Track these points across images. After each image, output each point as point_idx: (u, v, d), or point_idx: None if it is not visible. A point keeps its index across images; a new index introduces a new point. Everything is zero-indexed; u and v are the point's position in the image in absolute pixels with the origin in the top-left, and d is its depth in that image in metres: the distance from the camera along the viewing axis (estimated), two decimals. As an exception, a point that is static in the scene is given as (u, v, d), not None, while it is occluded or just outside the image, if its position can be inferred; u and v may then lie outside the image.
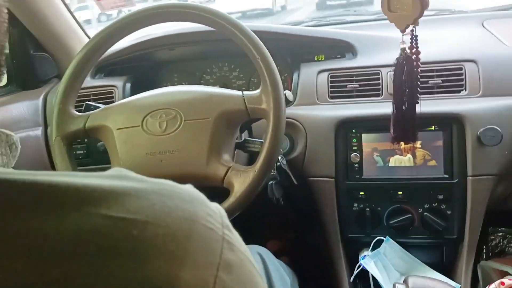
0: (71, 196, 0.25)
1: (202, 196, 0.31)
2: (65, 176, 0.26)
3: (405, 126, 0.78)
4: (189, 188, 0.31)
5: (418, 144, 0.97)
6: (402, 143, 0.81)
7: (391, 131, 0.79)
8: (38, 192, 0.25)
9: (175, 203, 0.28)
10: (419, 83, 0.76)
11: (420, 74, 0.99)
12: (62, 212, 0.24)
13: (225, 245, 0.29)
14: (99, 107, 0.91)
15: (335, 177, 1.01)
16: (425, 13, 0.90)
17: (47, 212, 0.24)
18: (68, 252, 0.23)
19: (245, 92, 0.82)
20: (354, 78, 1.05)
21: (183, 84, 1.25)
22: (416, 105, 0.77)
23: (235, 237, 0.31)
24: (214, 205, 0.32)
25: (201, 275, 0.26)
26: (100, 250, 0.24)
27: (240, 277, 0.29)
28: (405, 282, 0.75)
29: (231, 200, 0.77)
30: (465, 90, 0.99)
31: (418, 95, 0.76)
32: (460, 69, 1.01)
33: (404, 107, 0.77)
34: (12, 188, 0.24)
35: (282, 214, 1.35)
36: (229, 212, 0.77)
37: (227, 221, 0.31)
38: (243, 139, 0.88)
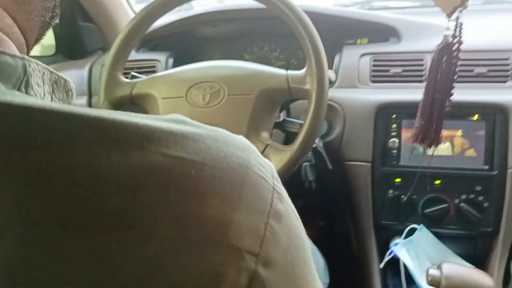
0: (134, 133, 0.26)
1: (254, 147, 0.32)
2: (127, 115, 0.27)
3: (430, 122, 0.74)
4: (242, 138, 0.32)
5: (459, 132, 0.95)
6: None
7: (415, 126, 0.75)
8: (104, 127, 0.25)
9: (230, 150, 0.29)
10: (456, 77, 0.73)
11: (465, 63, 0.98)
12: (126, 148, 0.25)
13: (275, 195, 0.30)
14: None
15: (372, 162, 1.01)
16: (473, 2, 0.88)
17: (111, 147, 0.25)
18: (131, 185, 0.24)
19: (289, 72, 0.82)
20: (398, 62, 1.03)
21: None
22: (447, 100, 0.73)
23: (284, 190, 0.32)
24: (265, 159, 0.33)
25: (253, 220, 0.27)
26: (160, 185, 0.25)
27: (288, 228, 0.30)
28: (439, 267, 0.74)
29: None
30: (511, 81, 0.96)
31: (453, 89, 0.73)
32: (507, 59, 0.98)
33: (434, 99, 0.74)
34: (79, 121, 0.25)
35: (312, 199, 1.35)
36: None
37: (276, 174, 0.32)
38: (281, 118, 0.88)
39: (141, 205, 0.24)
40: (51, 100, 0.34)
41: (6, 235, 0.23)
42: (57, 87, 0.35)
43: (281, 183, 0.32)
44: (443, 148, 0.97)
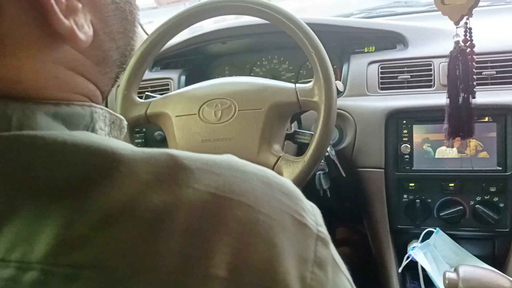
0: (185, 174, 0.27)
1: (298, 192, 0.32)
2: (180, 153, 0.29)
3: (460, 120, 0.77)
4: (288, 181, 0.32)
5: (471, 135, 0.96)
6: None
7: (446, 126, 0.78)
8: (159, 168, 0.27)
9: (274, 193, 0.29)
10: (475, 77, 0.76)
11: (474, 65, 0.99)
12: (178, 189, 0.26)
13: (319, 242, 0.29)
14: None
15: (385, 168, 1.02)
16: (479, 4, 0.89)
17: (165, 189, 0.26)
18: (183, 226, 0.25)
19: (298, 85, 0.84)
20: (406, 69, 1.05)
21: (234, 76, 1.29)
22: (472, 99, 0.76)
23: (328, 237, 0.31)
24: (310, 203, 0.33)
25: (298, 267, 0.27)
26: (208, 224, 0.26)
27: (335, 276, 0.30)
28: (456, 270, 0.75)
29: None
30: (521, 81, 0.97)
31: (474, 89, 0.76)
32: (515, 59, 0.99)
33: (459, 101, 0.77)
34: (139, 163, 0.27)
35: (328, 206, 1.36)
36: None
37: (321, 220, 0.32)
38: (293, 130, 0.90)
39: (200, 247, 0.25)
40: None
41: None
42: (114, 127, 0.38)
43: (325, 230, 0.31)
44: (454, 151, 0.98)
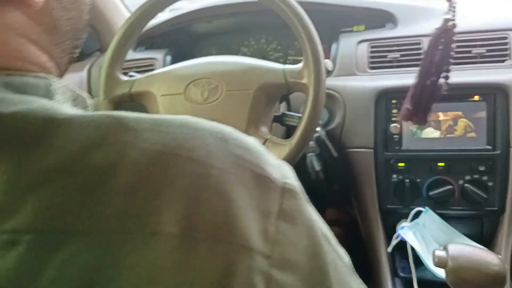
0: (130, 134, 0.27)
1: (260, 148, 0.31)
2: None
3: (421, 102, 0.75)
4: (249, 139, 0.31)
5: (460, 114, 0.95)
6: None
7: (406, 106, 0.76)
8: (102, 130, 0.27)
9: (230, 148, 0.28)
10: (451, 60, 0.73)
11: (463, 44, 0.98)
12: (121, 149, 0.26)
13: (286, 195, 0.29)
14: None
15: (374, 148, 1.01)
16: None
17: (107, 150, 0.26)
18: (126, 185, 0.25)
19: (286, 66, 0.82)
20: (395, 48, 1.03)
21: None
22: (443, 81, 0.74)
23: (300, 193, 0.30)
24: (277, 160, 0.32)
25: (260, 220, 0.26)
26: (155, 182, 0.25)
27: (307, 230, 0.29)
28: (445, 248, 0.75)
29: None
30: (510, 60, 0.96)
31: (448, 73, 0.73)
32: (505, 38, 0.98)
33: (427, 83, 0.74)
34: (79, 126, 0.27)
35: (317, 188, 1.36)
36: None
37: (289, 173, 0.31)
38: (281, 112, 0.89)
39: (146, 206, 0.25)
40: None
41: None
42: (76, 104, 0.37)
43: (296, 184, 0.30)
44: (445, 130, 0.97)
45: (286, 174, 0.30)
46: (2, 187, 0.24)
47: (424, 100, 0.75)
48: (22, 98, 0.28)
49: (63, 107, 0.28)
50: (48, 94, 0.32)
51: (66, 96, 0.35)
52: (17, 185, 0.24)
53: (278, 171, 0.30)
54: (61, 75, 0.39)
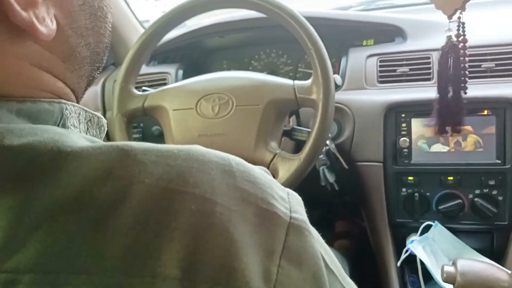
0: (136, 168, 0.26)
1: (268, 179, 0.30)
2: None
3: (450, 115, 0.76)
4: (256, 169, 0.30)
5: (469, 128, 0.95)
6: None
7: (435, 122, 0.77)
8: (109, 163, 0.27)
9: (237, 182, 0.28)
10: (467, 72, 0.74)
11: (473, 58, 0.98)
12: (127, 184, 0.26)
13: (291, 231, 0.27)
14: None
15: (383, 162, 1.01)
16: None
17: (113, 185, 0.26)
18: (129, 223, 0.24)
19: (296, 82, 0.84)
20: (404, 62, 1.04)
21: (232, 70, 1.29)
22: (463, 94, 0.75)
23: (308, 226, 0.29)
24: (287, 190, 0.31)
25: (262, 260, 0.25)
26: (157, 221, 0.25)
27: (311, 272, 0.27)
28: (454, 264, 0.75)
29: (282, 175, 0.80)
30: (520, 74, 0.97)
31: (465, 85, 0.75)
32: (515, 52, 0.98)
33: (449, 96, 0.76)
34: (87, 160, 0.26)
35: (328, 200, 1.36)
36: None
37: (298, 207, 0.29)
38: (290, 126, 0.90)
39: (147, 246, 0.24)
40: None
41: None
42: (91, 125, 0.37)
43: (304, 218, 0.29)
44: (454, 145, 0.98)
45: (294, 208, 0.29)
46: (7, 224, 0.24)
47: (452, 114, 0.76)
48: (32, 128, 0.28)
49: (73, 137, 0.28)
50: (61, 119, 0.33)
51: (80, 118, 0.35)
52: (22, 222, 0.24)
53: (285, 204, 0.29)
54: (78, 98, 0.39)
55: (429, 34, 1.07)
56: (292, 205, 0.29)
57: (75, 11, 0.34)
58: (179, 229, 0.24)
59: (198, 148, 0.29)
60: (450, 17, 0.69)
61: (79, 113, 0.36)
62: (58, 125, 0.32)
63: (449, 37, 0.72)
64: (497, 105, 0.95)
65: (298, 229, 0.28)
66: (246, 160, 0.90)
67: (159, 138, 1.05)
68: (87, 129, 0.37)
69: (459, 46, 0.73)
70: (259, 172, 0.30)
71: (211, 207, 0.26)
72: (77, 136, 0.29)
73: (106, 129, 0.40)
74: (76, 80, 0.37)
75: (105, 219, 0.24)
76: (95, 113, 0.38)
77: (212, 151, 0.29)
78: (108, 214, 0.24)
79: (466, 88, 0.75)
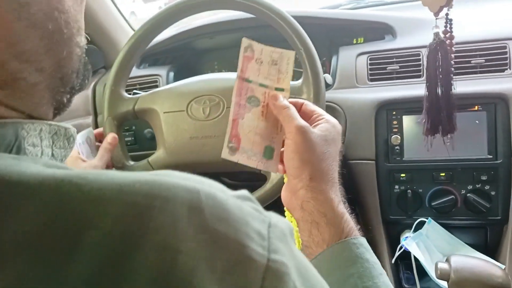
0: (89, 209, 0.24)
1: (244, 212, 0.26)
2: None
3: (440, 114, 0.75)
4: (231, 200, 0.26)
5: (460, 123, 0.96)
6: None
7: (424, 121, 0.76)
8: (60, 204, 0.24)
9: (205, 221, 0.24)
10: (453, 69, 0.74)
11: (462, 54, 0.99)
12: (78, 233, 0.23)
13: (268, 275, 0.24)
14: None
15: (376, 159, 1.02)
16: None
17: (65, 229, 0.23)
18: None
19: None
20: (394, 59, 1.04)
21: (223, 71, 1.28)
22: (450, 93, 0.74)
23: (287, 266, 0.25)
24: (268, 220, 0.27)
25: None
26: (110, 276, 0.22)
27: None
28: (447, 261, 0.75)
29: (267, 186, 0.80)
30: (510, 69, 0.97)
31: (452, 81, 0.74)
32: (504, 47, 0.98)
33: (438, 94, 0.75)
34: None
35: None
36: (266, 198, 0.80)
37: (278, 243, 0.26)
38: None
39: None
40: (52, 153, 0.35)
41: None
42: (58, 137, 0.35)
43: (285, 255, 0.26)
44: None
45: (273, 246, 0.26)
46: None
47: (443, 111, 0.75)
48: None
49: (23, 166, 0.26)
50: (16, 141, 0.30)
51: (43, 134, 0.33)
52: None
53: (263, 243, 0.25)
54: (46, 118, 0.36)
55: (419, 31, 1.07)
56: (272, 242, 0.26)
57: (15, 34, 0.31)
58: (136, 285, 0.22)
59: (163, 180, 0.25)
60: (436, 14, 0.69)
61: (41, 129, 0.34)
62: (11, 149, 0.30)
63: (436, 34, 0.72)
64: (488, 101, 0.95)
65: (276, 273, 0.24)
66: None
67: (152, 140, 1.04)
68: (53, 143, 0.35)
69: (447, 42, 0.73)
70: (234, 205, 0.26)
71: (173, 256, 0.22)
72: (27, 164, 0.26)
73: (75, 138, 0.38)
74: (32, 107, 0.34)
75: (58, 268, 0.22)
76: (61, 124, 0.36)
77: (179, 183, 0.25)
78: (60, 263, 0.22)
79: (452, 85, 0.74)
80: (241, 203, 0.27)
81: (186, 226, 0.23)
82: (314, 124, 0.58)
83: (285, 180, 0.60)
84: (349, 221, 0.53)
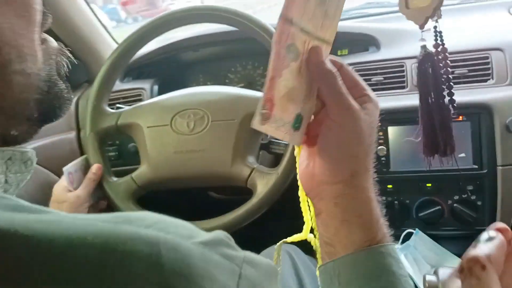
0: (44, 269, 0.22)
1: (206, 268, 0.24)
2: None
3: (436, 134, 0.68)
4: (195, 252, 0.24)
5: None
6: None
7: (422, 141, 0.73)
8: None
9: (164, 279, 0.22)
10: (448, 81, 0.72)
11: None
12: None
13: None
14: None
15: (362, 171, 1.01)
16: (449, 2, 0.88)
17: None
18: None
19: None
20: (379, 71, 1.04)
21: (208, 84, 1.28)
22: (445, 105, 0.72)
23: None
24: (232, 273, 0.25)
25: None
26: None
27: None
28: (435, 273, 0.74)
29: (254, 200, 0.79)
30: (492, 79, 0.98)
31: (446, 94, 0.72)
32: (487, 57, 0.99)
33: (433, 108, 0.72)
34: None
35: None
36: (252, 212, 0.79)
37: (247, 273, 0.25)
38: (268, 139, 0.89)
39: None
40: (5, 179, 0.33)
41: None
42: (12, 163, 0.34)
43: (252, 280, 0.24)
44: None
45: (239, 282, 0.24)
46: None
47: (440, 126, 0.71)
48: None
49: None
50: None
51: None
52: None
53: (229, 275, 0.24)
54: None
55: (403, 42, 1.08)
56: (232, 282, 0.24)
57: None
58: None
59: (121, 231, 0.23)
60: (422, 26, 0.69)
61: None
62: None
63: (424, 47, 0.72)
64: (472, 111, 0.96)
65: None
66: (223, 175, 0.87)
67: (136, 155, 1.03)
68: (7, 168, 0.33)
69: (440, 56, 0.73)
70: (199, 257, 0.24)
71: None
72: None
73: (34, 161, 0.36)
74: None
75: None
76: (17, 149, 0.34)
77: (139, 233, 0.23)
78: None
79: (445, 97, 0.71)
80: (208, 252, 0.24)
81: (145, 284, 0.21)
82: (358, 101, 0.46)
83: (296, 152, 0.51)
84: (383, 226, 0.48)
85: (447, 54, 0.72)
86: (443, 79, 0.72)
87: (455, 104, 0.70)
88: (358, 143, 0.46)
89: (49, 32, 1.21)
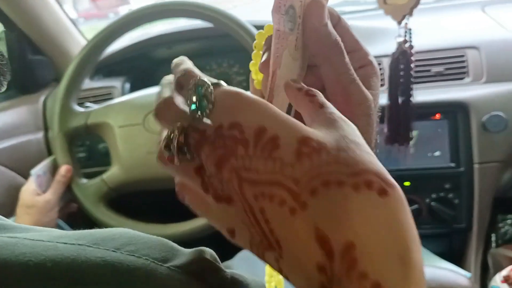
0: None
1: None
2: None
3: (399, 124, 0.75)
4: (163, 274, 0.21)
5: (421, 132, 0.96)
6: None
7: (385, 129, 0.76)
8: None
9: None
10: (412, 80, 0.74)
11: (423, 63, 0.99)
12: None
13: None
14: None
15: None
16: (425, 1, 0.88)
17: None
18: None
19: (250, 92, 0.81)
20: (356, 69, 1.03)
21: None
22: (411, 102, 0.74)
23: None
24: None
25: None
26: None
27: None
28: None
29: None
30: (469, 77, 0.98)
31: (412, 92, 0.74)
32: (462, 56, 1.00)
33: (399, 103, 0.75)
34: None
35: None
36: None
37: None
38: None
39: None
40: None
41: None
42: None
43: None
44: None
45: None
46: None
47: (403, 120, 0.75)
48: None
49: None
50: None
51: None
52: None
53: None
54: None
55: (379, 40, 1.07)
56: None
57: None
58: None
59: (86, 256, 0.20)
60: (399, 22, 0.68)
61: None
62: None
63: (400, 43, 0.72)
64: (449, 109, 0.96)
65: None
66: None
67: (107, 156, 0.99)
68: None
69: (408, 52, 0.73)
70: (177, 286, 0.21)
71: None
72: None
73: None
74: None
75: None
76: None
77: (104, 259, 0.20)
78: None
79: (411, 95, 0.74)
80: (187, 280, 0.21)
81: None
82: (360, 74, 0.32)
83: None
84: None
85: (413, 51, 0.73)
86: (412, 77, 0.73)
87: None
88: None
89: (15, 27, 1.15)
